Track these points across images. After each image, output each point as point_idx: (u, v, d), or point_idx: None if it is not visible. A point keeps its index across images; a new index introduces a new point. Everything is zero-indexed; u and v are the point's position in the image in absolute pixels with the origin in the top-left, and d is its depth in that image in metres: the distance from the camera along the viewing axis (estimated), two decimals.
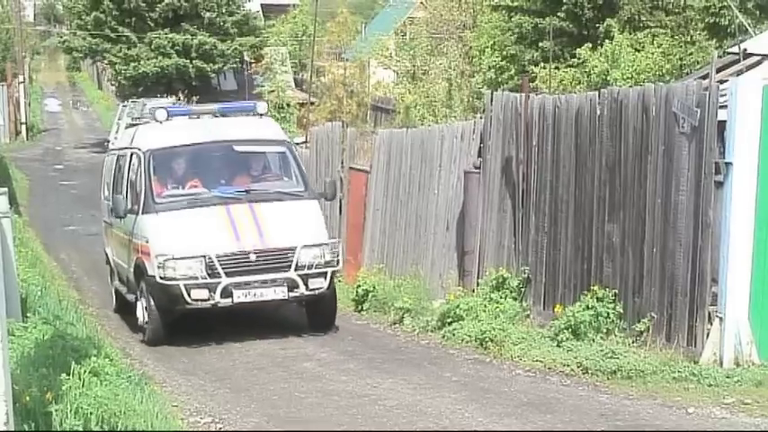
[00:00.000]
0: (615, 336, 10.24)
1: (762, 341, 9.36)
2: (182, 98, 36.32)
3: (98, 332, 11.96)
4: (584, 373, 9.76)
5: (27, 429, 6.18)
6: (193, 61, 41.67)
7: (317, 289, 12.54)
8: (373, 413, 8.73)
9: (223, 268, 12.31)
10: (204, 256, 12.31)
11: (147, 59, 41.71)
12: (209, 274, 12.28)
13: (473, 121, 14.46)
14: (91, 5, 42.80)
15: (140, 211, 13.11)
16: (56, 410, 6.52)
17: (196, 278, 12.30)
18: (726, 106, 9.39)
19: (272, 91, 36.83)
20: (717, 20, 22.05)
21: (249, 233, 12.61)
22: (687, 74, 19.14)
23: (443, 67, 29.97)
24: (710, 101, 9.48)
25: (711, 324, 9.46)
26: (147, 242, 12.78)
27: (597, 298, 10.51)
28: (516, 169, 12.28)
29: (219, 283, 12.27)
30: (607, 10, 23.31)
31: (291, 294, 12.47)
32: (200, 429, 8.30)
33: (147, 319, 12.71)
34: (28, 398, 6.52)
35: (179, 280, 12.31)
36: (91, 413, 6.70)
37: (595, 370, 9.66)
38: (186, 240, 12.50)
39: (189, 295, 12.25)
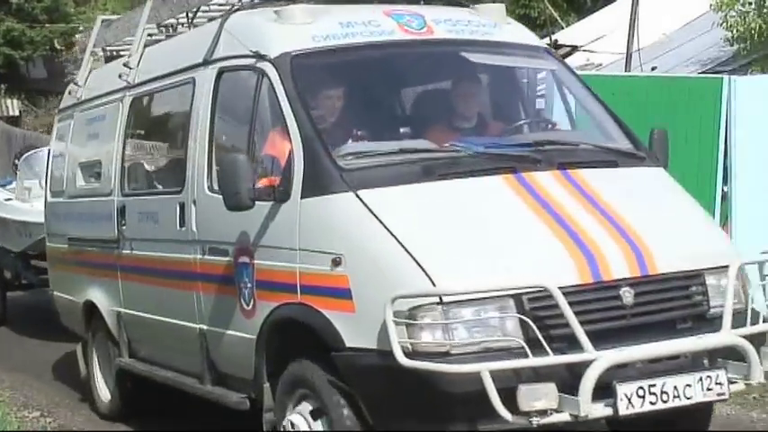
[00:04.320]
0: None
1: None
2: None
3: None
4: None
5: None
6: (0, 48, 38.25)
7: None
8: None
9: (584, 323, 4.78)
10: (524, 294, 4.78)
11: None
12: (540, 341, 4.73)
13: None
14: None
15: (301, 192, 5.39)
16: None
17: (514, 352, 4.72)
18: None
19: None
20: (527, 11, 22.63)
21: (601, 238, 5.14)
22: None
23: None
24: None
25: None
26: (341, 264, 5.09)
27: None
28: None
29: (581, 364, 4.73)
30: None
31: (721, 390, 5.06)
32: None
33: None
34: None
35: (467, 359, 4.70)
36: None
37: None
38: (466, 254, 4.94)
39: (514, 403, 4.64)
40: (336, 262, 5.11)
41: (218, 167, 5.63)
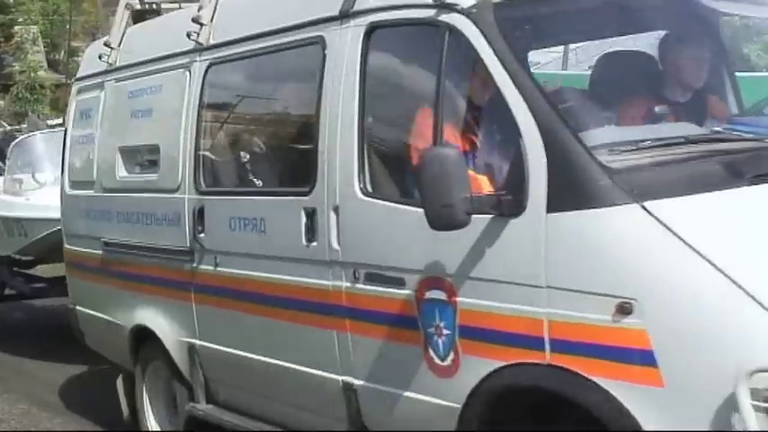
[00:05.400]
0: None
1: None
2: None
3: None
4: None
5: None
6: None
7: None
8: None
9: None
10: None
11: None
12: None
13: None
14: None
15: (546, 204, 3.66)
16: None
17: None
18: None
19: (23, 71, 34.54)
20: None
21: None
22: None
23: None
24: None
25: None
26: (633, 312, 3.39)
27: None
28: None
29: None
30: None
31: None
32: None
33: None
34: None
35: None
36: None
37: None
38: None
39: None
40: (625, 309, 3.42)
41: (420, 164, 3.84)
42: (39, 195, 9.52)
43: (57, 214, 8.85)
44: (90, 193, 6.93)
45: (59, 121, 20.94)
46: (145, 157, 6.35)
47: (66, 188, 7.38)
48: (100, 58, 6.83)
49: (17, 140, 10.78)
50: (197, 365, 5.79)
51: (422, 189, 3.84)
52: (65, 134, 7.53)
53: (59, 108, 29.55)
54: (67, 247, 7.41)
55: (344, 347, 4.61)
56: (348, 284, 4.53)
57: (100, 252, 6.78)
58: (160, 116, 6.09)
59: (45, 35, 43.24)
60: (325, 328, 4.70)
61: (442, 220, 3.75)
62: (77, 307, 7.33)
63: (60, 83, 32.90)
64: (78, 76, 7.53)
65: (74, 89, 7.57)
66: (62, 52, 35.12)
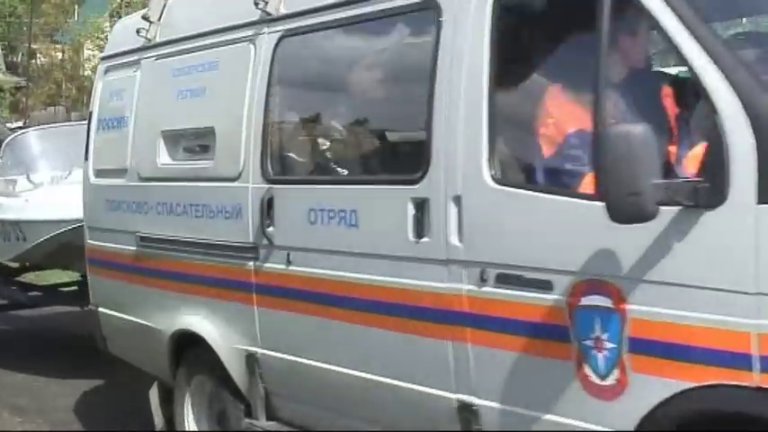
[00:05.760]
0: None
1: None
2: None
3: None
4: None
5: None
6: None
7: None
8: None
9: None
10: None
11: None
12: None
13: None
14: None
15: (757, 192, 3.04)
16: None
17: None
18: None
19: None
20: None
21: None
22: None
23: None
24: None
25: None
26: None
27: None
28: None
29: None
30: None
31: None
32: None
33: None
34: None
35: None
36: None
37: None
38: None
39: None
40: None
41: (600, 145, 3.20)
42: (37, 196, 8.76)
43: (59, 215, 8.15)
44: (121, 182, 6.22)
45: (19, 124, 22.05)
46: (194, 142, 5.67)
47: (91, 177, 6.66)
48: (138, 33, 6.12)
49: (9, 139, 9.97)
50: (257, 377, 5.11)
51: (602, 174, 3.20)
52: (89, 117, 6.80)
53: (19, 111, 30.22)
54: (90, 242, 6.69)
55: (462, 360, 3.95)
56: (471, 287, 3.88)
57: (133, 248, 6.08)
58: (215, 96, 5.40)
59: (2, 37, 43.28)
60: (437, 338, 4.04)
61: (627, 210, 3.12)
62: (100, 309, 6.61)
63: (20, 85, 32.82)
64: (106, 54, 6.82)
65: (100, 69, 6.86)
66: (20, 54, 34.84)
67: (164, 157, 5.84)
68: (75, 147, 9.47)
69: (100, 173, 6.57)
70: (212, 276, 5.37)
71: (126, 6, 35.62)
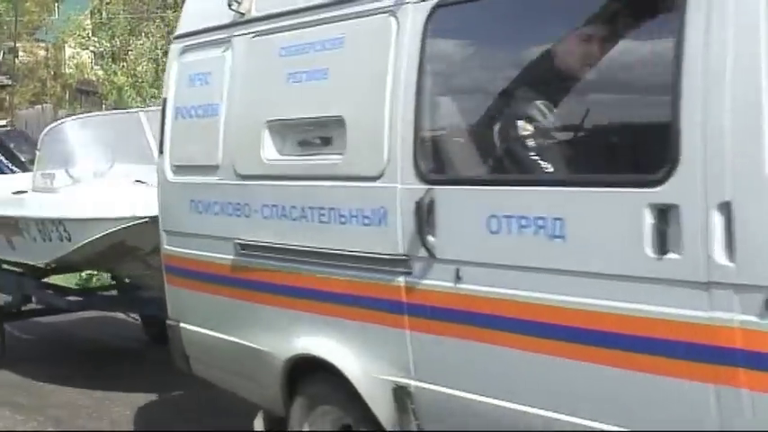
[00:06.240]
0: None
1: None
2: None
3: None
4: None
5: None
6: None
7: None
8: None
9: None
10: None
11: None
12: None
13: None
14: None
15: None
16: None
17: None
18: None
19: None
20: None
21: None
22: None
23: (147, 48, 28.36)
24: None
25: None
26: None
27: None
28: None
29: None
30: None
31: None
32: None
33: None
34: None
35: None
36: None
37: None
38: None
39: None
40: None
41: None
42: (82, 191, 7.85)
43: (111, 212, 7.30)
44: (212, 180, 5.37)
45: (3, 122, 22.58)
46: (312, 134, 4.83)
47: (168, 174, 5.80)
48: (230, 5, 5.24)
49: (47, 129, 9.02)
50: (409, 413, 4.28)
51: None
52: (163, 106, 5.93)
53: (3, 109, 30.96)
54: (169, 248, 5.84)
55: (731, 409, 3.14)
56: (747, 318, 3.06)
57: (230, 256, 5.24)
58: (344, 79, 4.55)
59: None
60: (690, 379, 3.23)
61: None
62: (182, 324, 5.78)
63: (3, 84, 32.72)
64: (181, 32, 5.92)
65: (174, 49, 5.98)
66: (1, 53, 34.56)
67: (270, 152, 4.99)
68: (117, 137, 8.63)
69: (180, 169, 5.72)
70: (344, 293, 4.54)
71: (107, 4, 35.52)
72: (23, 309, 9.17)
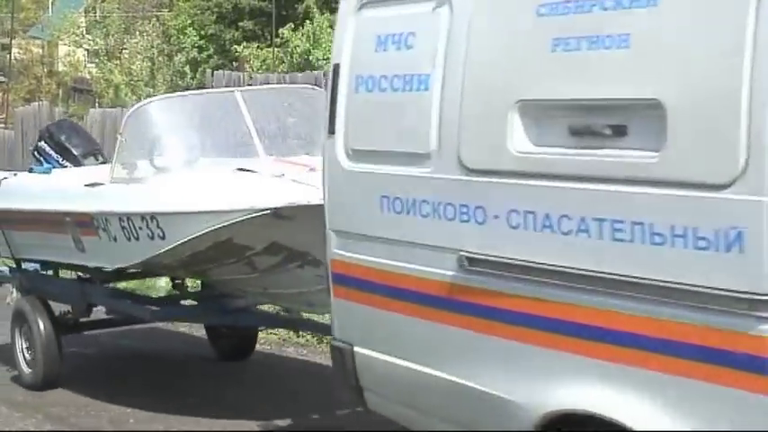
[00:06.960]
0: None
1: None
2: None
3: None
4: None
5: None
6: None
7: None
8: None
9: None
10: None
11: None
12: None
13: None
14: None
15: None
16: None
17: None
18: None
19: None
20: None
21: None
22: None
23: (142, 47, 29.33)
24: None
25: None
26: None
27: None
28: None
29: None
30: None
31: None
32: None
33: None
34: None
35: None
36: None
37: None
38: None
39: None
40: None
41: None
42: (178, 181, 6.55)
43: (214, 206, 6.08)
44: (420, 171, 4.22)
45: None
46: (596, 121, 3.62)
47: (342, 161, 4.62)
48: None
49: (131, 111, 7.65)
50: None
51: None
52: (334, 74, 4.71)
53: None
54: (341, 253, 4.68)
55: None
56: None
57: (448, 272, 4.09)
58: (662, 48, 3.37)
59: None
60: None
61: None
62: (357, 349, 4.62)
63: None
64: None
65: (347, 3, 4.74)
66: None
67: (521, 142, 3.81)
68: (206, 120, 7.31)
69: (362, 155, 4.54)
70: (654, 336, 3.39)
71: (102, 2, 36.04)
72: (82, 320, 7.94)
